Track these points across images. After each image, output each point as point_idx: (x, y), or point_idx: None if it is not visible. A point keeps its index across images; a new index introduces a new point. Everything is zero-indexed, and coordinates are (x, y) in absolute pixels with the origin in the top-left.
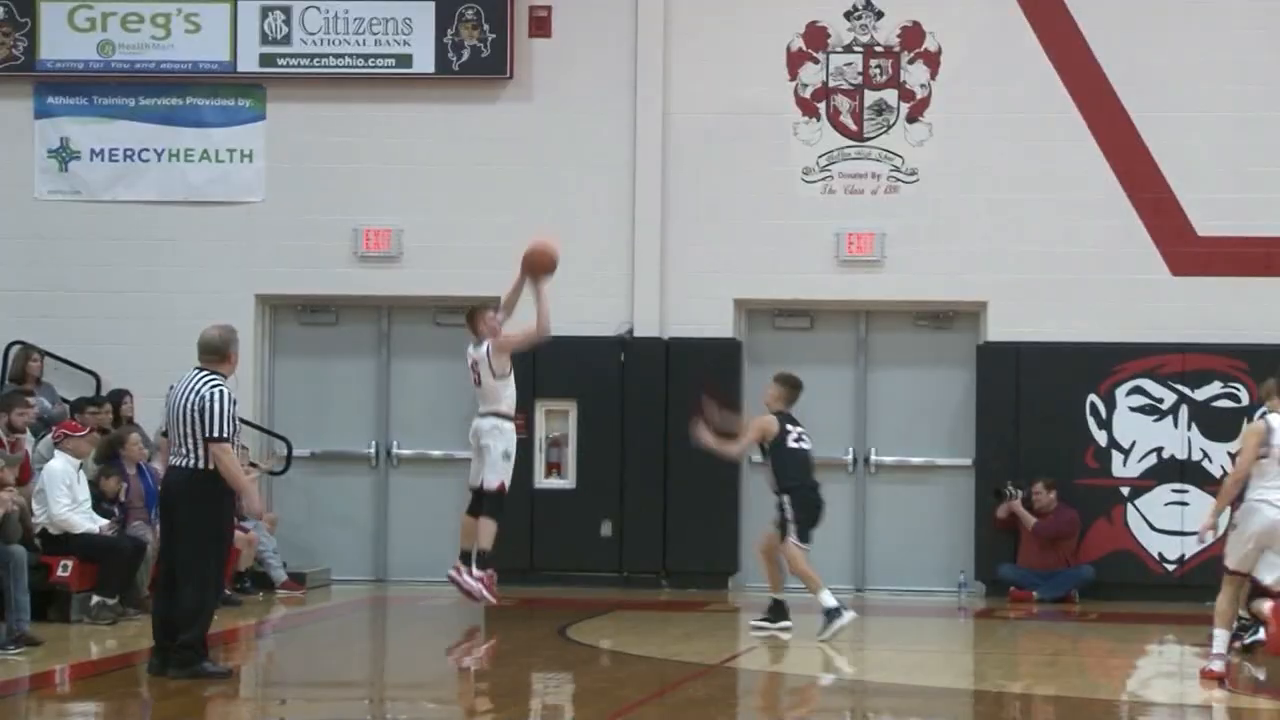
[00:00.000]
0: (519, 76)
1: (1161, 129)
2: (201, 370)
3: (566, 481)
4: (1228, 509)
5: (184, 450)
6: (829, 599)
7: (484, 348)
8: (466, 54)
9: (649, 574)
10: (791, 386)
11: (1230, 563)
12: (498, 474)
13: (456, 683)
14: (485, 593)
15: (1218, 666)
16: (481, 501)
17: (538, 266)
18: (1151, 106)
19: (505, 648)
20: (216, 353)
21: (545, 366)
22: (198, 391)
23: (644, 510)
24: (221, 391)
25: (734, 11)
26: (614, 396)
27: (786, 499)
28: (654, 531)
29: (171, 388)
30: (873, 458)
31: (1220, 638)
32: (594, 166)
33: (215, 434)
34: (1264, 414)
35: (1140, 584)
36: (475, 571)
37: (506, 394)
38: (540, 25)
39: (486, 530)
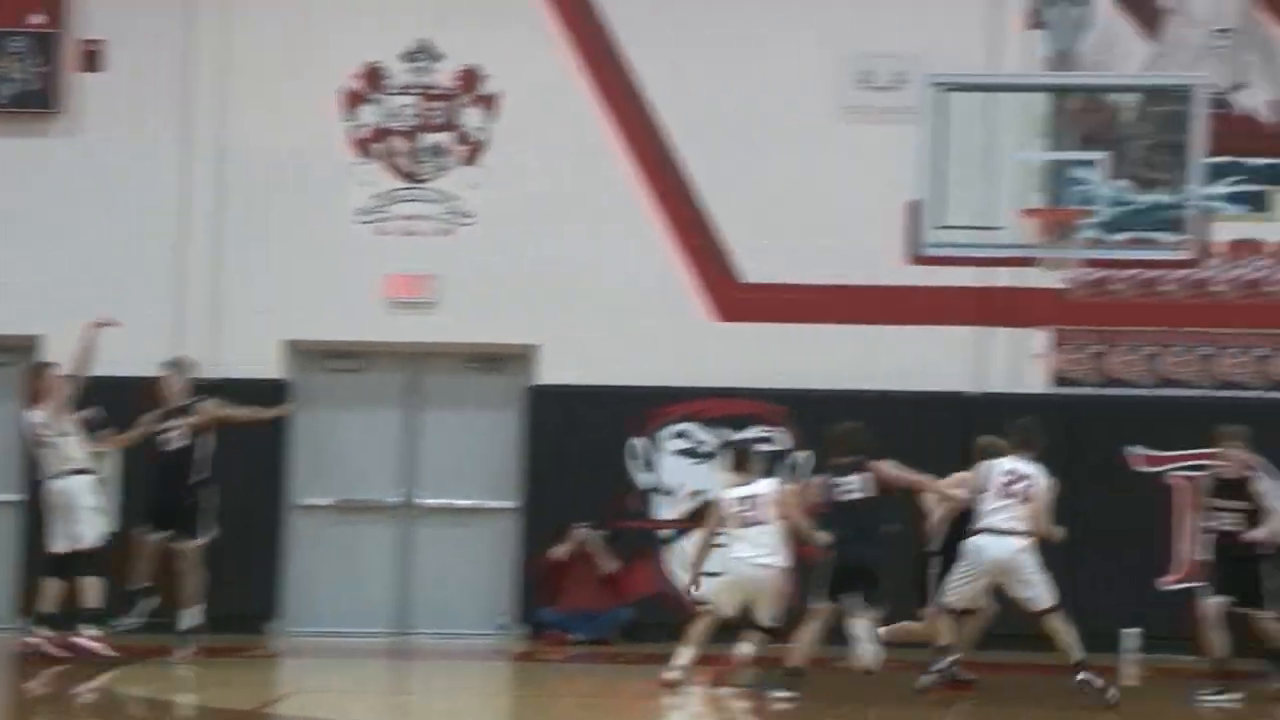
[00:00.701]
0: (70, 111)
1: (711, 176)
2: None
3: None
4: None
5: None
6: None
7: (41, 410)
8: (13, 87)
9: None
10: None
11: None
12: (97, 529)
13: None
14: (107, 649)
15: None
16: (67, 563)
17: None
18: (701, 154)
19: (37, 697)
20: None
21: (90, 408)
22: None
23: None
24: None
25: (291, 52)
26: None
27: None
28: None
29: None
30: (419, 500)
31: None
32: (147, 204)
33: None
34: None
35: (679, 625)
36: (87, 632)
37: (78, 446)
38: (92, 59)
39: (94, 589)
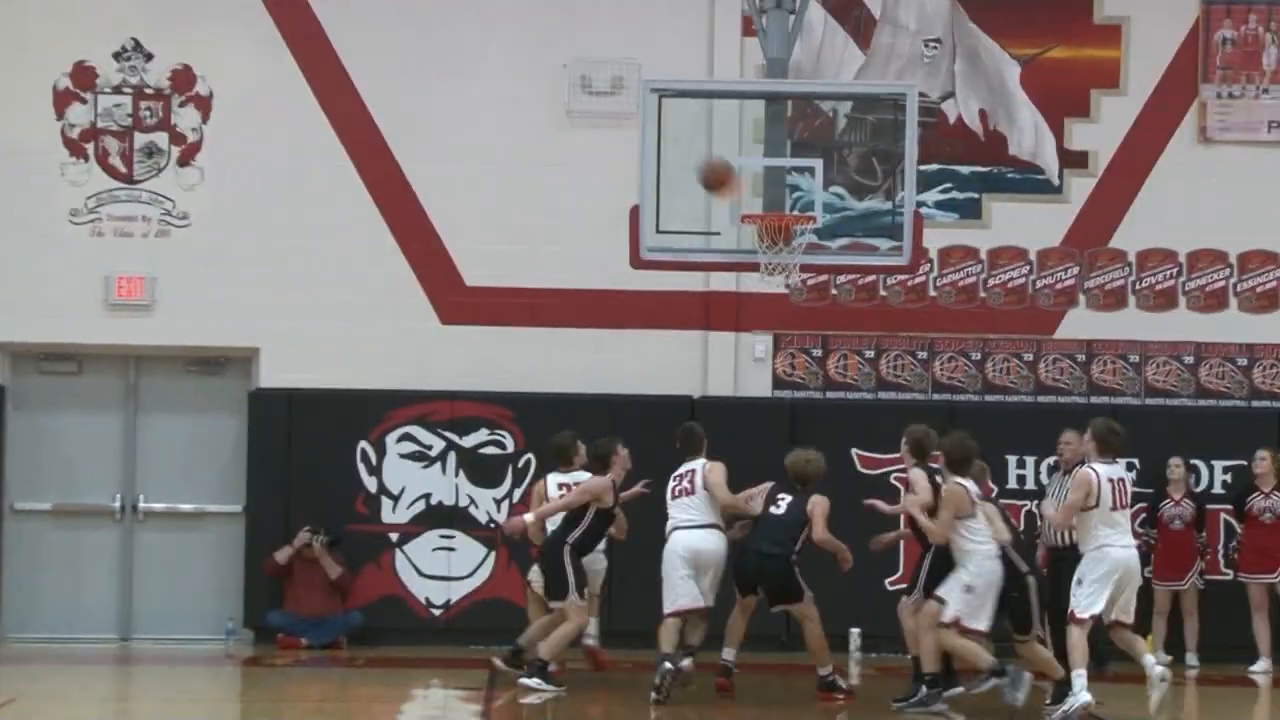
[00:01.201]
0: None
1: (431, 181)
2: None
3: None
4: None
5: None
6: None
7: None
8: None
9: None
10: None
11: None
12: None
13: None
14: None
15: None
16: None
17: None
18: (421, 158)
19: None
20: None
21: None
22: None
23: None
24: None
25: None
26: None
27: None
28: None
29: None
30: (141, 505)
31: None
32: None
33: None
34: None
35: (408, 629)
36: None
37: None
38: None
39: None
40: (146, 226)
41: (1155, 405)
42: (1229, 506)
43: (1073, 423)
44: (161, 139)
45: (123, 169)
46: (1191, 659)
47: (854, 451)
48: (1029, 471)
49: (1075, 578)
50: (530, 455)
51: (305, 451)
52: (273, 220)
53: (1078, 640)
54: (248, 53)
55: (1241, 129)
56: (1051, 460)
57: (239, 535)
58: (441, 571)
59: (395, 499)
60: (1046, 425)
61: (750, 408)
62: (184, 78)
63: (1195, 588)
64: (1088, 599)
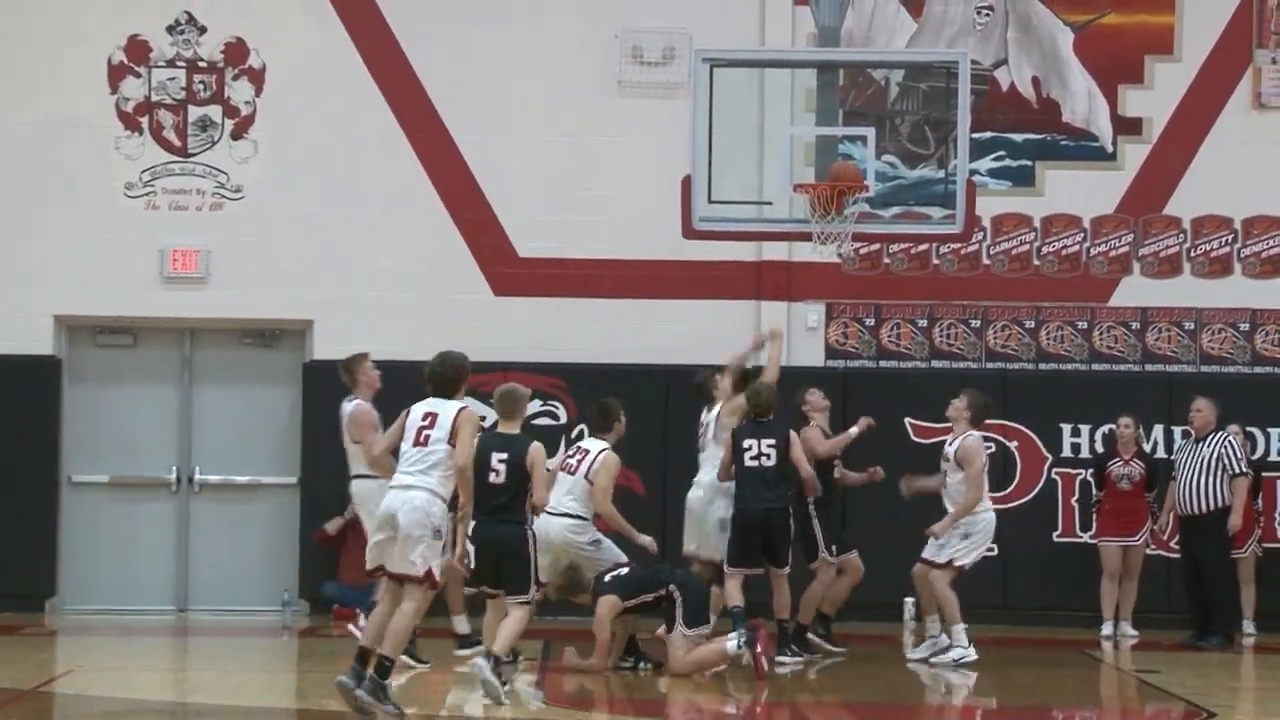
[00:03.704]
0: None
1: (483, 151)
2: None
3: None
4: None
5: None
6: None
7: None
8: None
9: None
10: None
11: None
12: None
13: None
14: None
15: None
16: None
17: None
18: (473, 128)
19: None
20: None
21: None
22: None
23: None
24: None
25: (52, 21)
26: None
27: None
28: None
29: None
30: (197, 476)
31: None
32: None
33: None
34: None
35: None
36: None
37: None
38: None
39: None
40: (201, 199)
41: (1211, 372)
42: None
43: (1136, 392)
44: (215, 112)
45: (177, 142)
46: (1249, 626)
47: (907, 421)
48: (1084, 440)
49: (960, 532)
50: (583, 426)
51: None
52: (326, 192)
53: (948, 590)
54: (300, 25)
55: None
56: (1107, 429)
57: (294, 507)
58: None
59: None
60: (1101, 393)
61: (803, 377)
62: (237, 50)
63: (1254, 555)
64: (967, 554)
